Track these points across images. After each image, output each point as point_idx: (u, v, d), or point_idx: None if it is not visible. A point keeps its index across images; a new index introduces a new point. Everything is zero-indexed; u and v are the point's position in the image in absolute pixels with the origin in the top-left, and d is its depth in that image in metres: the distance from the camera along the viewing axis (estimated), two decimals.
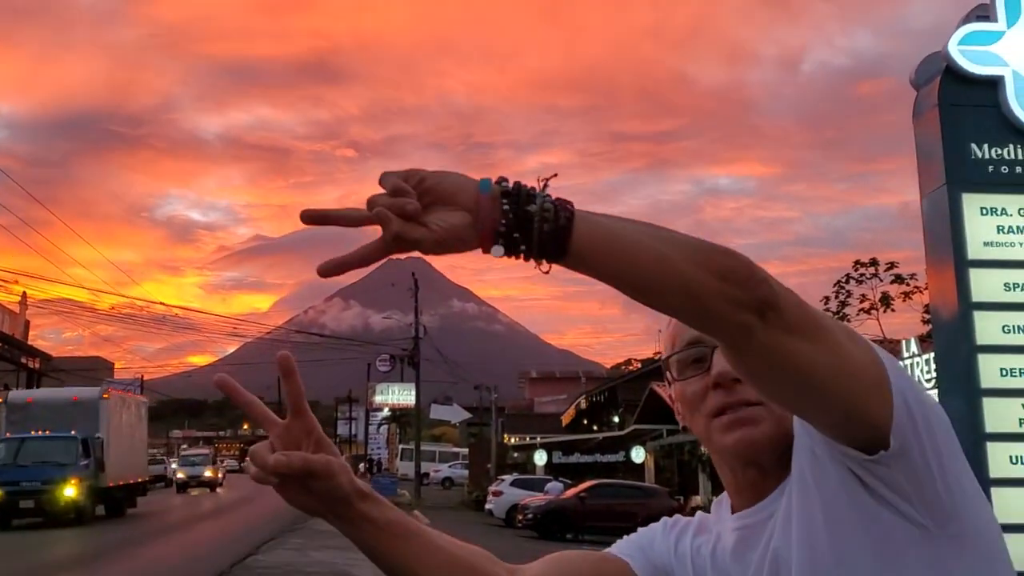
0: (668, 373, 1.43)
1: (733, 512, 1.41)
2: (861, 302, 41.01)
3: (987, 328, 6.33)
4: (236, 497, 43.46)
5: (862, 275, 40.94)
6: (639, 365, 60.92)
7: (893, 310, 39.56)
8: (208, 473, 50.67)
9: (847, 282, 41.36)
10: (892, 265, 39.58)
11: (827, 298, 42.09)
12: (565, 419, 52.21)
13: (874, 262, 40.72)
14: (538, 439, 42.51)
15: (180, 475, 50.09)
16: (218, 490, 49.90)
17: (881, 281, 40.03)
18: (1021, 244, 6.50)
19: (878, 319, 40.72)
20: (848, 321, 41.25)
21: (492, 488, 33.65)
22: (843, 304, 41.81)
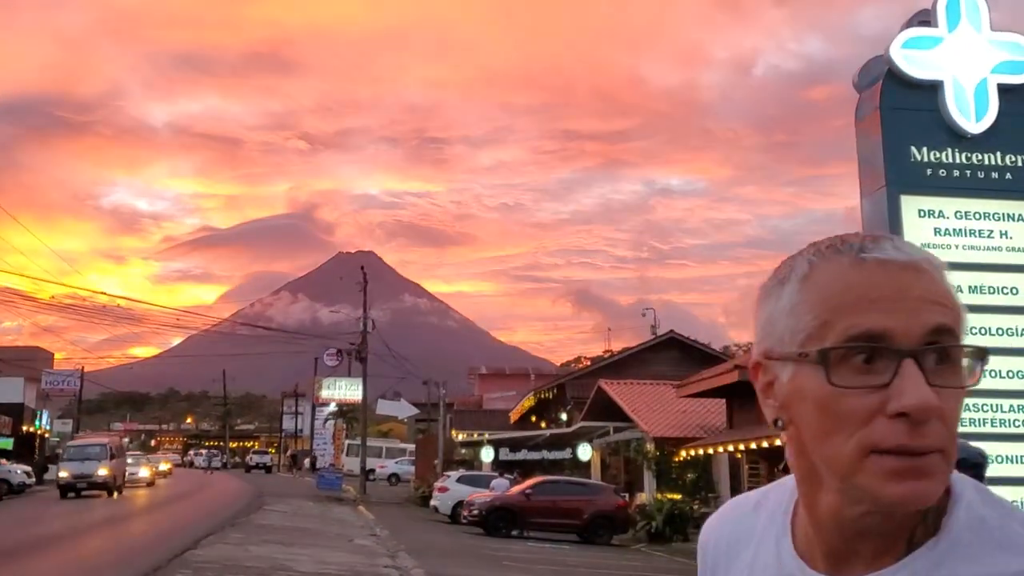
0: (800, 362, 0.97)
1: (806, 558, 1.04)
2: None
3: None
4: (169, 494, 42.86)
5: None
6: (588, 363, 61.29)
7: None
8: (103, 471, 37.14)
9: None
10: None
11: None
12: (514, 416, 52.28)
13: None
14: (486, 435, 42.48)
15: (63, 474, 37.37)
16: (118, 494, 38.01)
17: None
18: (957, 246, 6.62)
19: None
20: None
21: (438, 484, 33.54)
22: None
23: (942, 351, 0.93)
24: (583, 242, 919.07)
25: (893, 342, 0.92)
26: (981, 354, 0.95)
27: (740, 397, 27.70)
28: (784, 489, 1.11)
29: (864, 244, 0.97)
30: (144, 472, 47.99)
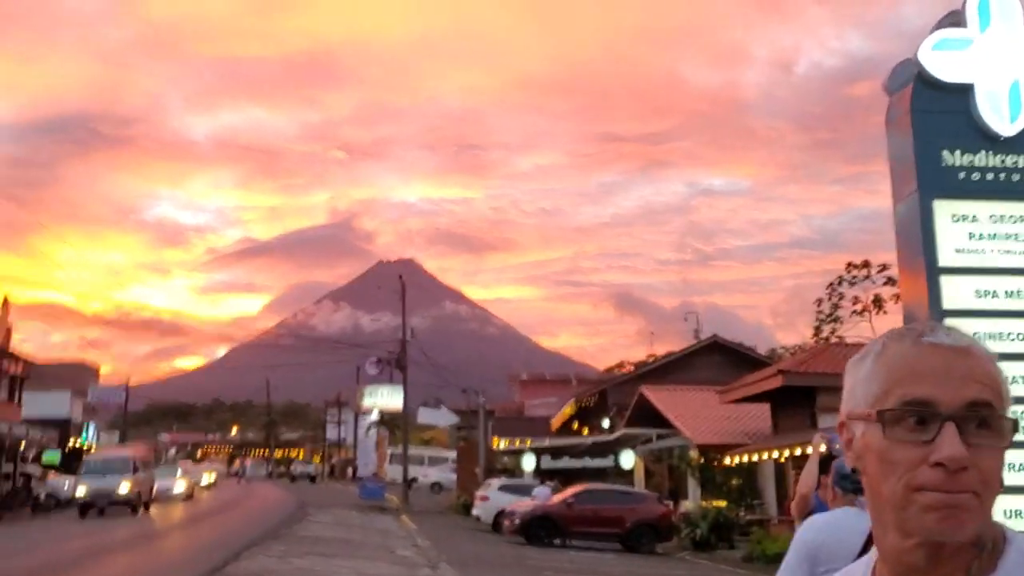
0: (868, 421, 1.27)
1: None
2: (854, 304, 41.21)
3: None
4: (217, 503, 43.21)
5: (855, 277, 41.13)
6: (632, 367, 60.75)
7: (885, 312, 39.63)
8: (125, 487, 33.43)
9: (840, 284, 41.60)
10: (884, 267, 39.65)
11: (820, 300, 42.33)
12: (555, 423, 52.10)
13: (866, 264, 40.86)
14: (528, 442, 42.41)
15: (80, 491, 33.80)
16: (143, 511, 34.79)
17: (873, 283, 40.19)
18: (992, 251, 6.46)
19: (870, 321, 40.80)
20: (840, 323, 41.47)
21: (479, 493, 33.47)
22: (836, 306, 42.05)
23: (981, 418, 1.21)
24: (624, 245, 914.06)
25: (938, 408, 1.20)
26: (1014, 425, 1.24)
27: (784, 402, 27.38)
28: (867, 558, 1.37)
29: (924, 330, 1.29)
30: (180, 486, 43.90)
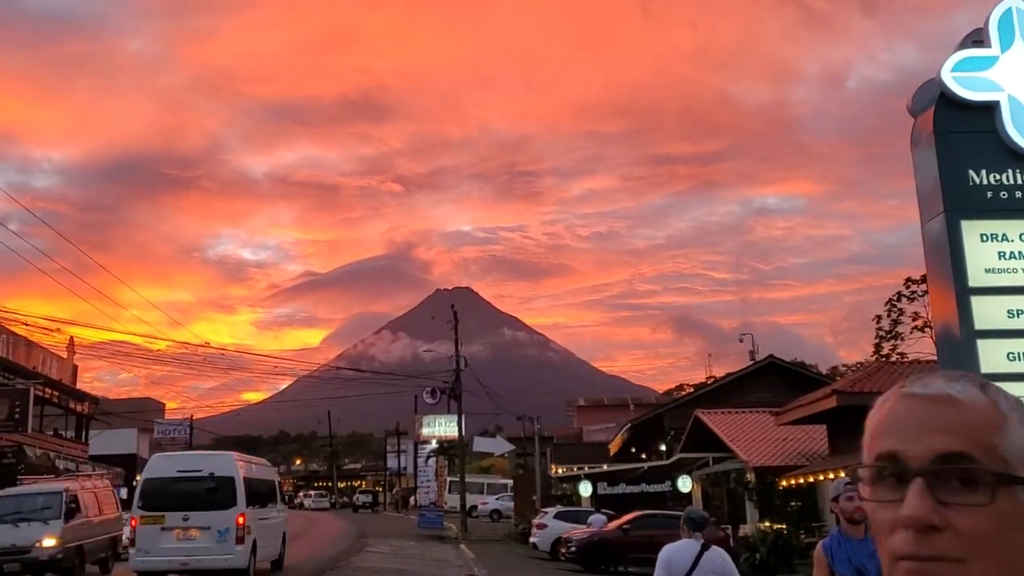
0: (862, 482, 1.20)
1: None
2: (914, 320, 40.33)
3: (991, 357, 6.20)
4: None
5: (913, 292, 40.27)
6: (691, 389, 60.10)
7: None
8: (50, 542, 19.93)
9: (899, 300, 40.77)
10: None
11: (879, 317, 41.54)
12: (612, 448, 51.69)
13: (925, 279, 39.97)
14: (585, 469, 42.16)
15: None
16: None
17: None
18: (1023, 270, 6.38)
19: (932, 336, 39.77)
20: (901, 340, 40.60)
21: (536, 521, 33.38)
22: (896, 322, 41.21)
23: (962, 474, 1.09)
24: (680, 267, 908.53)
25: (906, 463, 1.11)
26: (1002, 479, 1.09)
27: (841, 422, 26.89)
28: None
29: (908, 381, 1.21)
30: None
